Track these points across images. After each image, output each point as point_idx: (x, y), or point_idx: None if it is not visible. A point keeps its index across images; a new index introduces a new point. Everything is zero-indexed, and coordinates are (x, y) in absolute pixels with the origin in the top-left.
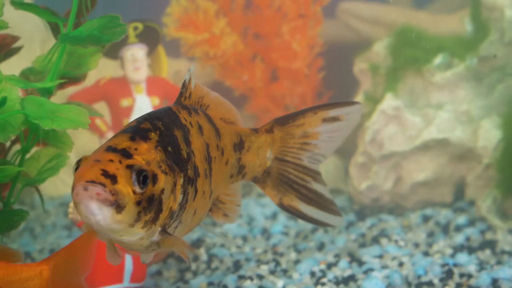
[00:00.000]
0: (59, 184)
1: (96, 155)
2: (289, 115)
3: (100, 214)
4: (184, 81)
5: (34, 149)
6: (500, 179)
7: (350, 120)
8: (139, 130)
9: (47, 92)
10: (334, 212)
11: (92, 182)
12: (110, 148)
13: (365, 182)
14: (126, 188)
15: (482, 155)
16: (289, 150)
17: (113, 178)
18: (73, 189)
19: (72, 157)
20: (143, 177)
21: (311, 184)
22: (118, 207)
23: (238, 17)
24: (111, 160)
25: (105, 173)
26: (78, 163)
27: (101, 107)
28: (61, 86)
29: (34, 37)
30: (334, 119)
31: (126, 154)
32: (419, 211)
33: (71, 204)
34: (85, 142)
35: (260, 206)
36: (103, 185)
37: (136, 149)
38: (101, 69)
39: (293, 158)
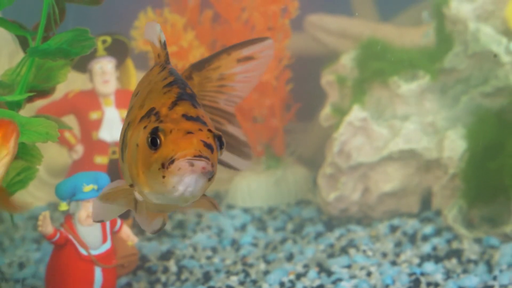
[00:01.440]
0: (28, 197)
1: (181, 125)
2: (204, 59)
3: (196, 185)
4: (164, 42)
5: None
6: (465, 189)
7: (264, 57)
8: (191, 96)
9: (16, 105)
10: (245, 155)
11: (198, 156)
12: (189, 117)
13: (333, 193)
14: (217, 156)
15: (447, 165)
16: (207, 94)
17: (212, 149)
18: (171, 162)
19: (41, 170)
20: (221, 143)
21: (226, 127)
22: (212, 176)
23: (206, 30)
24: (200, 130)
25: (206, 145)
26: (156, 133)
27: (70, 120)
28: (30, 99)
29: (2, 50)
30: (248, 58)
31: (203, 122)
32: (387, 221)
33: (41, 217)
34: (54, 155)
35: (229, 218)
36: (207, 158)
37: (202, 116)
38: (70, 82)
39: (210, 102)
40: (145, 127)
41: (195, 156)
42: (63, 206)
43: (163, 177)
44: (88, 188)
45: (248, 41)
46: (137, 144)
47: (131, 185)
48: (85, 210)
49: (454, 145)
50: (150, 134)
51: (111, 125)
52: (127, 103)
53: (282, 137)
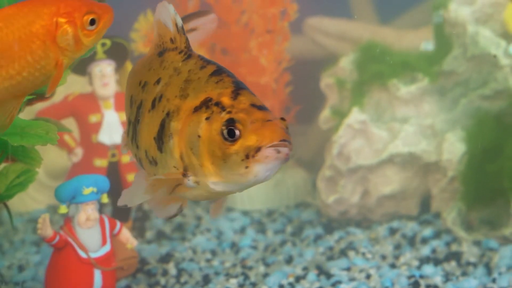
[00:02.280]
0: (27, 200)
1: (256, 114)
2: None
3: (276, 170)
4: (181, 26)
5: (2, 165)
6: (464, 191)
7: (205, 29)
8: (245, 85)
9: None
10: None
11: (283, 141)
12: (258, 107)
13: (332, 196)
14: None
15: (447, 168)
16: None
17: (289, 135)
18: (257, 151)
19: (41, 173)
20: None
21: None
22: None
23: None
24: (275, 118)
25: (286, 131)
26: (233, 124)
27: (70, 122)
28: (30, 102)
29: None
30: (191, 30)
31: (269, 110)
32: (386, 224)
33: (40, 220)
34: (53, 158)
35: (229, 220)
36: (290, 143)
37: (264, 104)
38: (69, 85)
39: None
40: (207, 118)
41: (280, 142)
42: (63, 209)
43: (246, 167)
44: (87, 190)
45: (192, 14)
46: (199, 135)
47: (185, 174)
48: (85, 213)
49: (453, 148)
50: (226, 126)
51: (111, 128)
52: None
53: None
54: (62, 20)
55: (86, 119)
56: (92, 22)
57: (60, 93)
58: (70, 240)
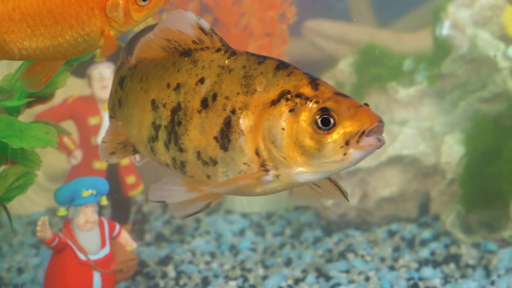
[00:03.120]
0: (26, 203)
1: (347, 101)
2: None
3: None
4: (210, 27)
5: (2, 168)
6: (463, 194)
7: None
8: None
9: (15, 111)
10: None
11: (381, 122)
12: (343, 94)
13: None
14: None
15: (445, 171)
16: None
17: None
18: (359, 136)
19: (40, 176)
20: None
21: None
22: None
23: None
24: (364, 104)
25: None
26: (328, 113)
27: (69, 125)
28: (29, 104)
29: None
30: None
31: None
32: (385, 226)
33: (39, 222)
34: (53, 161)
35: (228, 223)
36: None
37: None
38: (68, 88)
39: None
40: (292, 110)
41: (379, 123)
42: (62, 211)
43: (344, 154)
44: (87, 193)
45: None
46: (283, 128)
47: (265, 169)
48: (84, 215)
49: (452, 150)
50: (320, 115)
51: None
52: None
53: None
54: None
55: (85, 121)
56: None
57: (60, 96)
58: (69, 242)
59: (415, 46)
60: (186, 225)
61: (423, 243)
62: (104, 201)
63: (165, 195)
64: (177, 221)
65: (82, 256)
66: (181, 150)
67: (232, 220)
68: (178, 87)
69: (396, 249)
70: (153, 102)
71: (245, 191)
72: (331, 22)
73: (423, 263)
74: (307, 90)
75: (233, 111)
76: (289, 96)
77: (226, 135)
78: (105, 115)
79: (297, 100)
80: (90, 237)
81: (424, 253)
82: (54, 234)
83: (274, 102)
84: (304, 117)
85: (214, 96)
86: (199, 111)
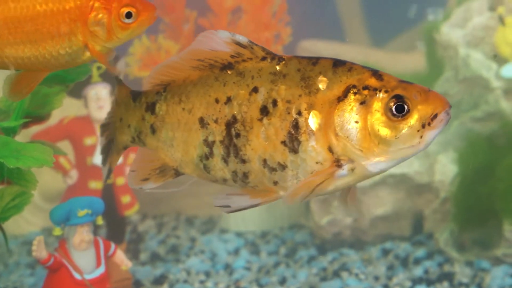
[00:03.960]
0: (22, 223)
1: (413, 87)
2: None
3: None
4: (248, 40)
5: None
6: (456, 212)
7: None
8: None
9: (12, 131)
10: None
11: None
12: (408, 82)
13: (326, 217)
14: None
15: (439, 189)
16: None
17: None
18: (433, 118)
19: (36, 196)
20: None
21: None
22: None
23: None
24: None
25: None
26: (402, 100)
27: (65, 145)
28: (26, 125)
29: None
30: None
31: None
32: (379, 245)
33: (35, 242)
34: (48, 181)
35: (222, 242)
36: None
37: None
38: (65, 108)
39: None
40: (363, 103)
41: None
42: (57, 231)
43: (421, 136)
44: (82, 212)
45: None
46: (356, 121)
47: (338, 165)
48: (79, 235)
49: (445, 169)
50: (394, 103)
51: None
52: None
53: None
54: (98, 5)
55: (81, 141)
56: (129, 15)
57: (56, 116)
58: (64, 262)
59: (410, 66)
60: (181, 245)
61: (417, 261)
62: (100, 220)
63: (230, 202)
64: (172, 241)
65: (77, 276)
66: (243, 161)
67: (227, 239)
68: (229, 100)
69: (390, 267)
70: (202, 120)
71: (318, 191)
72: (326, 42)
73: (416, 281)
74: (373, 82)
75: (299, 113)
76: (356, 90)
77: (295, 138)
78: None
79: (365, 92)
80: (86, 256)
81: (418, 271)
82: (49, 253)
83: (341, 98)
84: (377, 107)
85: (274, 102)
86: (260, 119)
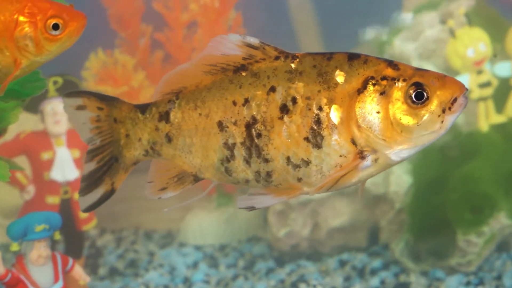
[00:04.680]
0: None
1: (430, 74)
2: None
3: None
4: (260, 41)
5: None
6: (411, 223)
7: None
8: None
9: None
10: None
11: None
12: (423, 69)
13: (283, 229)
14: None
15: (394, 200)
16: None
17: None
18: (453, 102)
19: None
20: None
21: None
22: None
23: (156, 71)
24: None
25: None
26: (421, 87)
27: (22, 160)
28: None
29: None
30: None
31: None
32: (336, 256)
33: None
34: (5, 196)
35: (181, 256)
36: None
37: None
38: (21, 123)
39: None
40: (382, 93)
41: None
42: (15, 247)
43: (442, 121)
44: (39, 228)
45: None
46: (378, 111)
47: (361, 157)
48: (37, 250)
49: (400, 180)
50: (414, 90)
51: (63, 165)
52: (78, 142)
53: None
54: (22, 19)
55: (38, 156)
56: (56, 27)
57: (12, 131)
58: (22, 277)
59: None
60: (140, 259)
61: (373, 272)
62: (57, 235)
63: (254, 202)
64: (131, 255)
65: None
66: (266, 160)
67: (186, 253)
68: (247, 101)
69: (347, 278)
70: (220, 123)
71: (342, 184)
72: None
73: None
74: (389, 72)
75: (320, 108)
76: (374, 81)
77: (318, 133)
78: (58, 150)
79: (384, 82)
80: (43, 272)
81: (375, 282)
82: (7, 269)
83: (361, 90)
84: (397, 96)
85: (294, 100)
86: (280, 118)
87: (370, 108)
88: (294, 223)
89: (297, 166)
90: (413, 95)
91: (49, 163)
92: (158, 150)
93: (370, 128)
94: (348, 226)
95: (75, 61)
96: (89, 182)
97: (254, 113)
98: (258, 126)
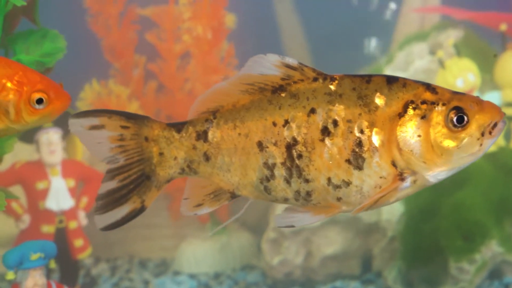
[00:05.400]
0: None
1: (468, 98)
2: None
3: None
4: (299, 62)
5: None
6: (403, 250)
7: None
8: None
9: None
10: None
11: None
12: (461, 93)
13: (277, 257)
14: None
15: (386, 228)
16: None
17: None
18: (493, 126)
19: None
20: None
21: None
22: None
23: (150, 101)
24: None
25: None
26: (461, 111)
27: (17, 190)
28: None
29: None
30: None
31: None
32: (330, 284)
33: None
34: (0, 225)
35: (176, 284)
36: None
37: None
38: (16, 153)
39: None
40: (423, 117)
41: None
42: (10, 275)
43: (480, 145)
44: (35, 256)
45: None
46: (419, 135)
47: (401, 178)
48: (32, 278)
49: (392, 209)
50: (455, 114)
51: (58, 194)
52: (73, 172)
53: (226, 204)
54: (9, 85)
55: (33, 186)
56: (40, 101)
57: (8, 161)
58: None
59: None
60: (135, 287)
61: None
62: (53, 264)
63: (293, 221)
64: (126, 284)
65: None
66: (307, 181)
67: (180, 281)
68: (287, 123)
69: None
70: (260, 143)
71: (380, 203)
72: None
73: None
74: (428, 95)
75: (361, 131)
76: (414, 105)
77: (359, 155)
78: (53, 179)
79: (424, 106)
80: None
81: None
82: None
83: (402, 114)
84: (438, 120)
85: (335, 122)
86: (321, 140)
87: (411, 131)
88: (288, 251)
89: (337, 187)
90: (454, 119)
91: (44, 193)
92: (195, 168)
93: (411, 151)
94: (341, 254)
95: (70, 92)
96: (108, 201)
97: (295, 134)
98: (299, 147)
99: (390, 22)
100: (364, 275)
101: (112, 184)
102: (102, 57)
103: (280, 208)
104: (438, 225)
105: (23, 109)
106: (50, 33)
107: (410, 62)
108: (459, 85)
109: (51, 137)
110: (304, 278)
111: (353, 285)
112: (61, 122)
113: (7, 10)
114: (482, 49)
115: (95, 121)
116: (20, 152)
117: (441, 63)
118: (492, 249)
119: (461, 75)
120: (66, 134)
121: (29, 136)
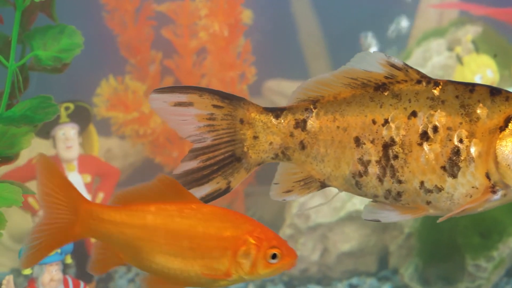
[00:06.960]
0: None
1: None
2: None
3: None
4: (403, 62)
5: None
6: (420, 247)
7: None
8: None
9: None
10: None
11: None
12: None
13: None
14: None
15: (403, 225)
16: None
17: None
18: None
19: (4, 236)
20: None
21: None
22: None
23: None
24: None
25: None
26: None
27: (34, 185)
28: None
29: None
30: None
31: None
32: (346, 281)
33: (4, 281)
34: (17, 221)
35: None
36: None
37: None
38: (33, 149)
39: None
40: None
41: None
42: (27, 270)
43: None
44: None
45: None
46: None
47: (493, 191)
48: (49, 274)
49: None
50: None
51: None
52: (89, 168)
53: (243, 200)
54: (251, 240)
55: None
56: (274, 256)
57: (24, 157)
58: None
59: None
60: None
61: None
62: (69, 259)
63: (380, 216)
64: None
65: None
66: (399, 182)
67: None
68: (386, 122)
69: None
70: (357, 139)
71: (468, 212)
72: (290, 82)
73: None
74: None
75: (461, 141)
76: None
77: (455, 164)
78: (70, 175)
79: None
80: None
81: None
82: None
83: (503, 128)
84: None
85: (435, 128)
86: (420, 144)
87: (510, 146)
88: (304, 247)
89: (429, 191)
90: None
91: None
92: (289, 155)
93: (508, 165)
94: (357, 250)
95: (87, 88)
96: (186, 180)
97: (393, 134)
98: (396, 148)
99: (409, 15)
100: (380, 272)
101: (193, 164)
102: (118, 53)
103: (296, 205)
104: (455, 222)
105: (259, 263)
106: (67, 29)
107: (428, 58)
108: (477, 81)
109: (68, 132)
110: (320, 275)
111: (369, 282)
112: (78, 118)
113: (24, 6)
114: (501, 45)
115: (182, 98)
116: (36, 148)
117: (459, 59)
118: (509, 246)
119: (480, 71)
120: (82, 130)
121: (45, 131)
